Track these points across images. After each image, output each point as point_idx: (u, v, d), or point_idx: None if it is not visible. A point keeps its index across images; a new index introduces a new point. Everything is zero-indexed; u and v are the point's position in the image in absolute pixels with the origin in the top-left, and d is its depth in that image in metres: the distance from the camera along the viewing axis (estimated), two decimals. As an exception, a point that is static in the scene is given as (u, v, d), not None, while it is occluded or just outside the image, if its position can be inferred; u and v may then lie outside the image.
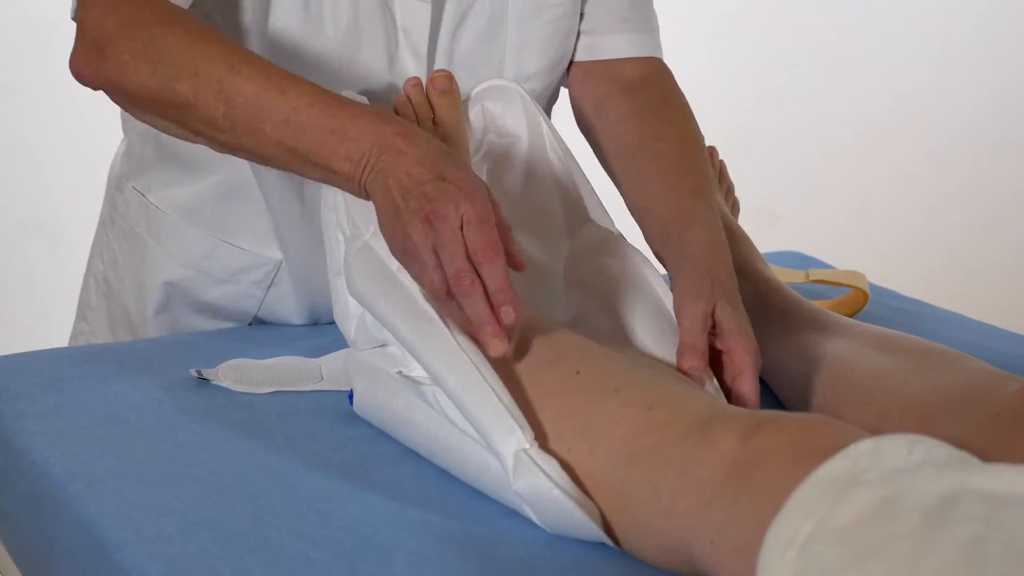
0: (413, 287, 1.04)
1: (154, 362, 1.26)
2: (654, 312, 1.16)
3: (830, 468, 0.76)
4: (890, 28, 3.48)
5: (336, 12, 1.22)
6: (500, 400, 0.96)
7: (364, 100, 1.16)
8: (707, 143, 1.42)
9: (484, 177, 1.27)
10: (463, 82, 1.28)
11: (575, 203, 1.24)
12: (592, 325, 1.18)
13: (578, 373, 0.99)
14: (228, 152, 1.11)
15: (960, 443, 0.97)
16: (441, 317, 1.01)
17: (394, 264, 1.06)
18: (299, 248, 1.33)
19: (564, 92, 1.39)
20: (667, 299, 1.16)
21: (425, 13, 1.24)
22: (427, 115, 1.21)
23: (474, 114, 1.27)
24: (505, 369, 1.00)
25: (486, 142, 1.28)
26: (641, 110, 1.29)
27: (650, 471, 0.90)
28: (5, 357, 1.28)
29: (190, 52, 1.06)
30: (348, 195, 1.10)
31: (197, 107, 1.06)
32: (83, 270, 1.51)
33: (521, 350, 1.02)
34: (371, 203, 1.06)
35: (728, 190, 1.43)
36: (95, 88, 1.13)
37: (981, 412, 1.02)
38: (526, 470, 0.93)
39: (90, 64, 1.10)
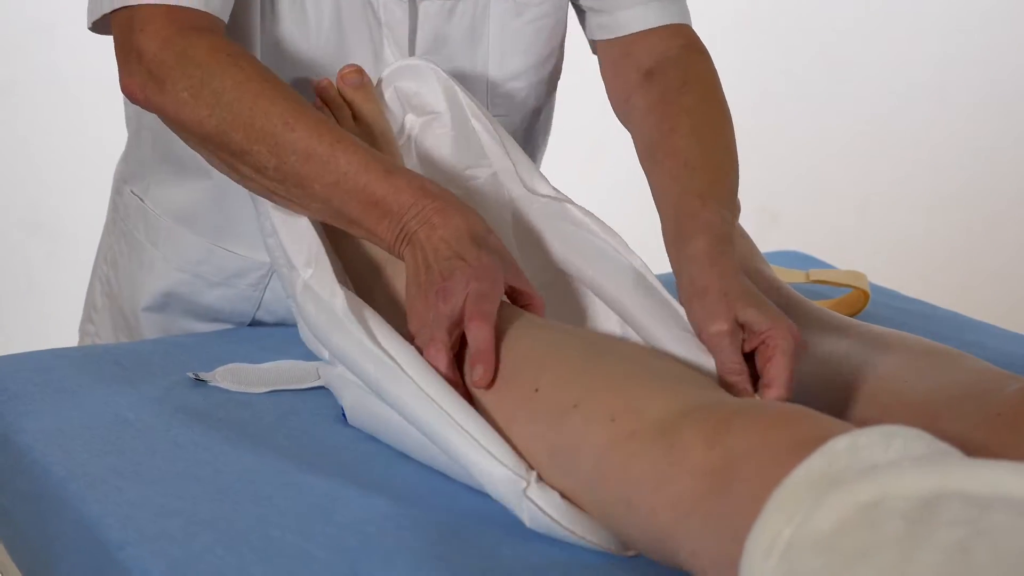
0: (359, 331, 1.03)
1: (154, 362, 1.26)
2: (613, 265, 1.14)
3: (807, 469, 0.75)
4: (890, 28, 3.48)
5: (319, 10, 1.23)
6: (482, 446, 0.95)
7: None
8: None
9: (413, 158, 1.25)
10: None
11: (508, 171, 1.22)
12: (546, 295, 1.17)
13: (536, 391, 0.97)
14: (268, 196, 1.13)
15: (962, 442, 0.97)
16: (395, 361, 1.01)
17: (338, 307, 1.05)
18: None
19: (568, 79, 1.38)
20: (620, 247, 1.14)
21: (403, 12, 1.25)
22: (345, 113, 1.20)
23: (388, 96, 1.25)
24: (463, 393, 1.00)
25: (406, 123, 1.26)
26: (659, 101, 1.25)
27: (623, 489, 0.88)
28: (5, 357, 1.28)
29: (246, 100, 1.08)
30: (279, 223, 1.11)
31: (250, 155, 1.09)
32: (83, 270, 1.51)
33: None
34: (301, 234, 1.10)
35: (729, 190, 1.43)
36: (147, 110, 1.15)
37: (982, 411, 1.02)
38: (531, 510, 0.93)
39: (145, 91, 1.12)
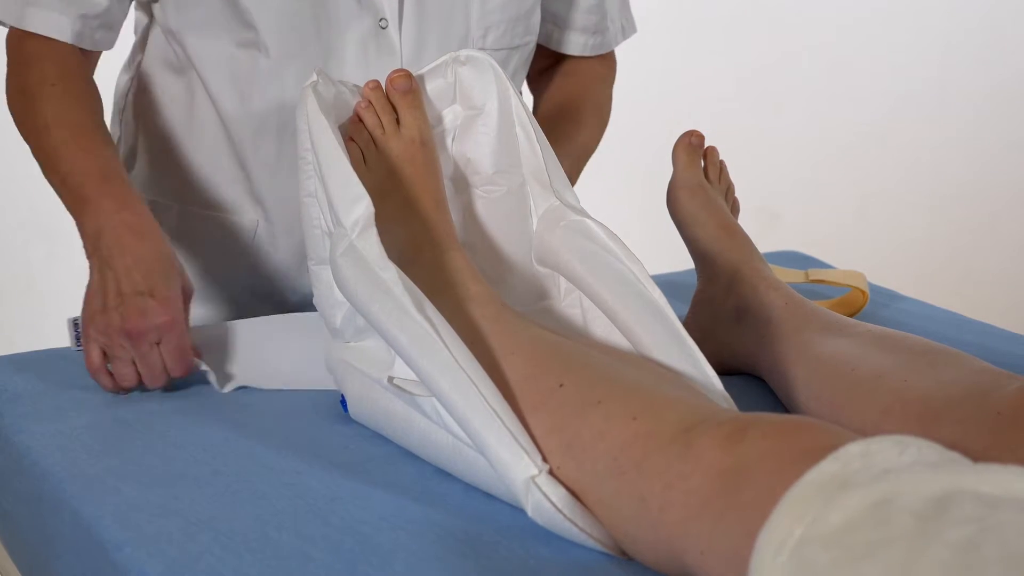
0: (405, 298, 1.02)
1: (154, 362, 1.26)
2: (628, 291, 1.13)
3: (819, 472, 0.76)
4: (890, 28, 3.48)
5: None
6: (504, 424, 0.96)
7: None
8: (707, 143, 1.42)
9: (448, 150, 1.25)
10: (432, 20, 1.30)
11: (542, 181, 1.22)
12: (558, 308, 1.17)
13: (561, 386, 0.98)
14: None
15: (962, 441, 0.97)
16: (436, 331, 1.00)
17: (386, 274, 1.04)
18: (277, 203, 1.38)
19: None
20: (642, 276, 1.12)
21: None
22: (390, 117, 1.20)
23: (438, 85, 1.24)
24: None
25: (445, 116, 1.25)
26: (566, 108, 1.47)
27: (637, 484, 0.89)
28: (5, 357, 1.28)
29: (30, 106, 1.27)
30: (328, 185, 1.10)
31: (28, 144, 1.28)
32: (83, 270, 1.51)
33: (501, 364, 1.01)
34: (354, 196, 1.09)
35: (728, 190, 1.43)
36: None
37: (983, 410, 1.02)
38: (536, 498, 0.93)
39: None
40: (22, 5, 1.28)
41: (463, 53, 1.23)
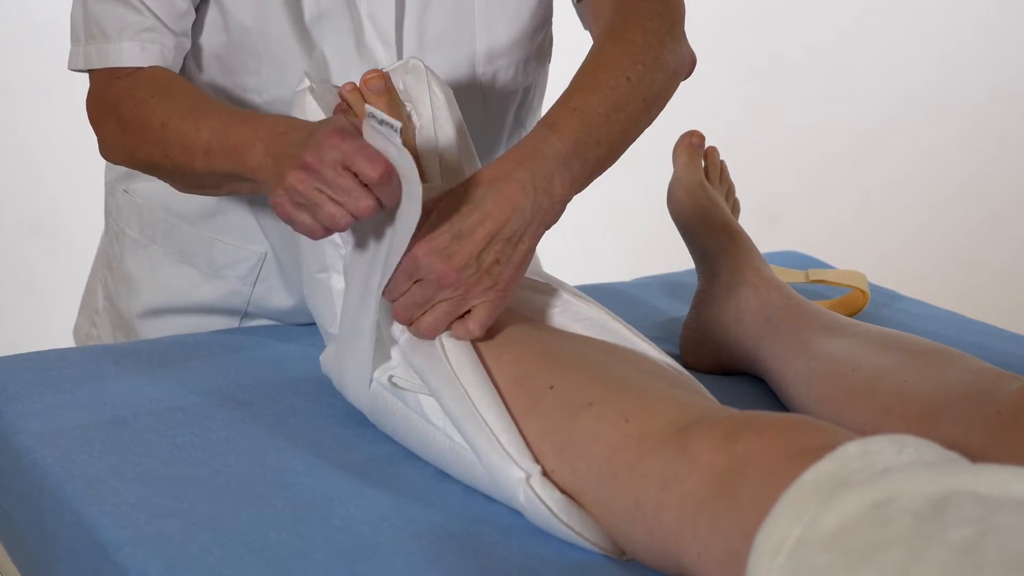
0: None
1: (153, 362, 1.26)
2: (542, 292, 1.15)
3: (817, 471, 0.76)
4: (890, 28, 3.48)
5: (301, 4, 1.25)
6: (491, 432, 0.97)
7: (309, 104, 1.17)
8: (708, 143, 1.43)
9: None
10: (435, 63, 1.28)
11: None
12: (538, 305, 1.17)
13: (551, 388, 0.98)
14: (197, 192, 1.24)
15: (962, 441, 0.97)
16: (441, 344, 1.03)
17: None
18: (282, 236, 1.35)
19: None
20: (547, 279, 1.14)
21: (389, 1, 1.26)
22: None
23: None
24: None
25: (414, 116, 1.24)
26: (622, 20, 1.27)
27: (632, 486, 0.89)
28: (5, 357, 1.28)
29: (138, 121, 1.19)
30: None
31: (156, 167, 1.21)
32: (83, 270, 1.51)
33: (490, 365, 1.02)
34: None
35: (728, 190, 1.43)
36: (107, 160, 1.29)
37: (983, 410, 1.02)
38: (531, 501, 0.94)
39: (99, 146, 1.26)
40: (106, 43, 1.23)
41: (410, 61, 1.22)
